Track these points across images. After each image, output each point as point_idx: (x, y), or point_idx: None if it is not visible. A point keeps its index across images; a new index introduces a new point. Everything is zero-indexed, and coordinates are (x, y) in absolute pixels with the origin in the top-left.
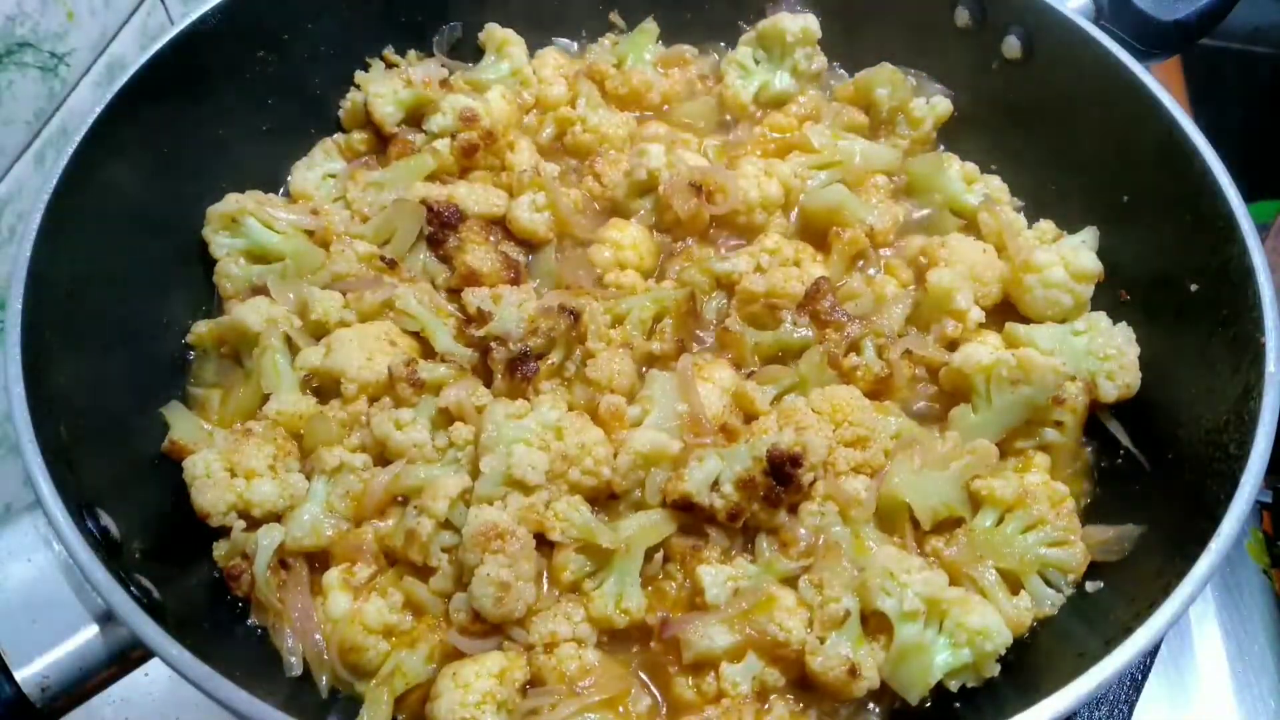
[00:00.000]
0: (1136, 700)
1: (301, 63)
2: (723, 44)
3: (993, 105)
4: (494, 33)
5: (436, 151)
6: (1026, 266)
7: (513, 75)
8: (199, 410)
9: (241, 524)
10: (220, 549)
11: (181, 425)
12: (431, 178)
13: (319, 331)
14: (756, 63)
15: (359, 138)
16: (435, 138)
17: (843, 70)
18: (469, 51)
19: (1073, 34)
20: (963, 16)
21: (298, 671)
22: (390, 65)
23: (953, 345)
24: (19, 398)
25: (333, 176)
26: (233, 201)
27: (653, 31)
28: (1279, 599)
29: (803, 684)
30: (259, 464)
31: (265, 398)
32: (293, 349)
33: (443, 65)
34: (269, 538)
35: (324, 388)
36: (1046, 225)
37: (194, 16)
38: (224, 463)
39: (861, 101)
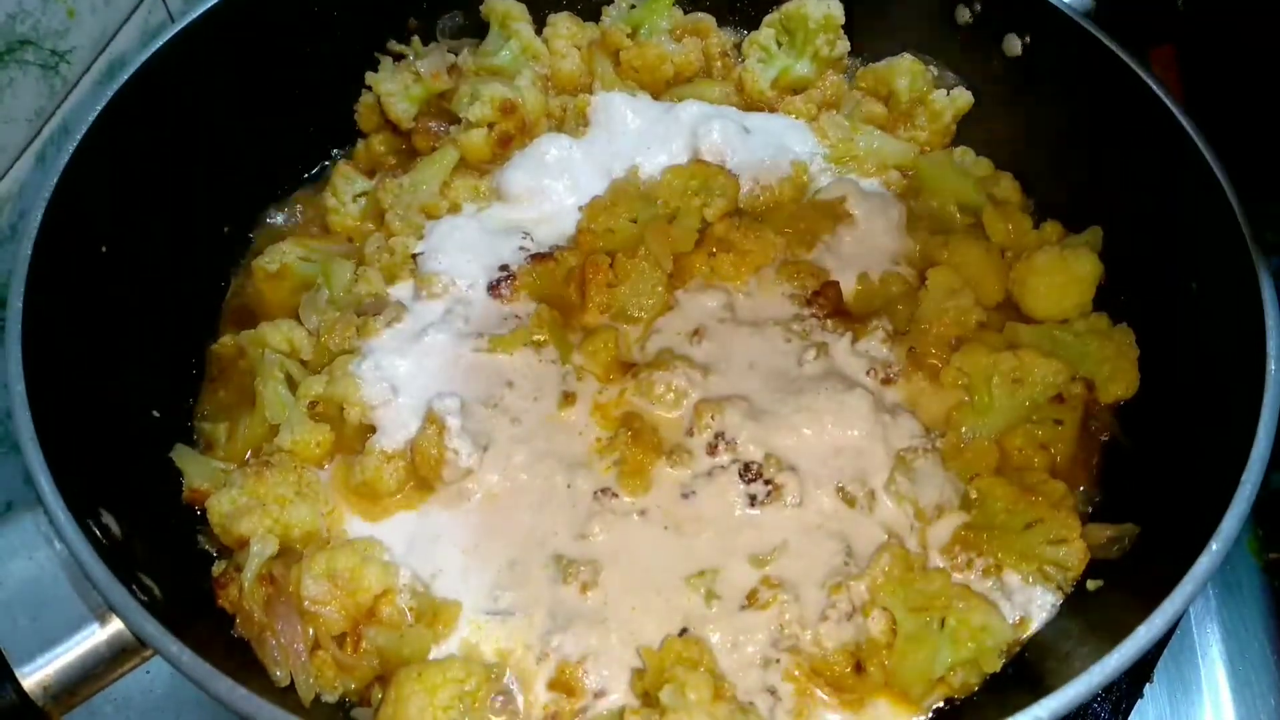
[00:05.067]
0: (1138, 698)
1: (304, 59)
2: (733, 19)
3: (997, 103)
4: (495, 7)
5: (459, 142)
6: (1029, 267)
7: (523, 52)
8: (208, 447)
9: (274, 546)
10: (219, 568)
11: (194, 469)
12: (459, 166)
13: (326, 357)
14: (779, 45)
15: (378, 140)
16: (472, 126)
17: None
18: (474, 27)
19: (1070, 30)
20: (963, 14)
21: (284, 684)
22: (397, 57)
23: (954, 343)
24: (20, 396)
25: (363, 195)
26: (277, 253)
27: None
28: (1278, 597)
29: (812, 680)
30: (286, 491)
31: (273, 428)
32: (292, 381)
33: (449, 50)
34: (262, 545)
35: (327, 414)
36: (1052, 226)
37: (195, 14)
38: (248, 495)
39: (881, 91)
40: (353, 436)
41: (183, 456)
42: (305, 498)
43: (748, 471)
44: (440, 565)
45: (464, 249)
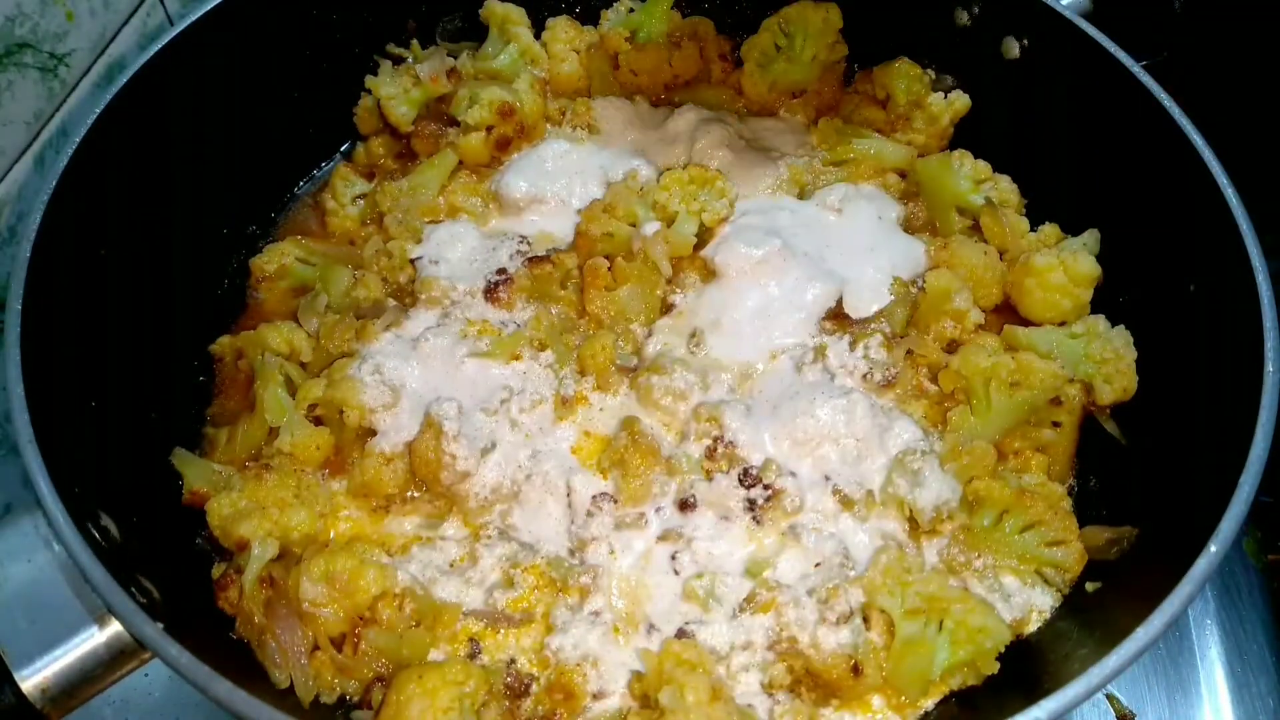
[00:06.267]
0: None
1: (303, 62)
2: (731, 22)
3: (995, 105)
4: (494, 9)
5: (457, 146)
6: (1026, 269)
7: (522, 55)
8: (208, 450)
9: (274, 549)
10: (218, 570)
11: (193, 472)
12: (459, 168)
13: (326, 359)
14: (778, 48)
15: (377, 143)
16: (470, 129)
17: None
18: (473, 31)
19: (1069, 33)
20: (962, 17)
21: (283, 685)
22: (397, 60)
23: (952, 346)
24: (19, 398)
25: (362, 197)
26: (276, 254)
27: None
28: (1276, 598)
29: (810, 681)
30: (285, 494)
31: (272, 431)
32: (290, 385)
33: (449, 54)
34: (262, 548)
35: (327, 417)
36: (1050, 228)
37: (194, 17)
38: (248, 498)
39: (879, 94)
40: (352, 439)
41: (182, 460)
42: (304, 501)
43: (746, 477)
44: (439, 566)
45: (462, 253)
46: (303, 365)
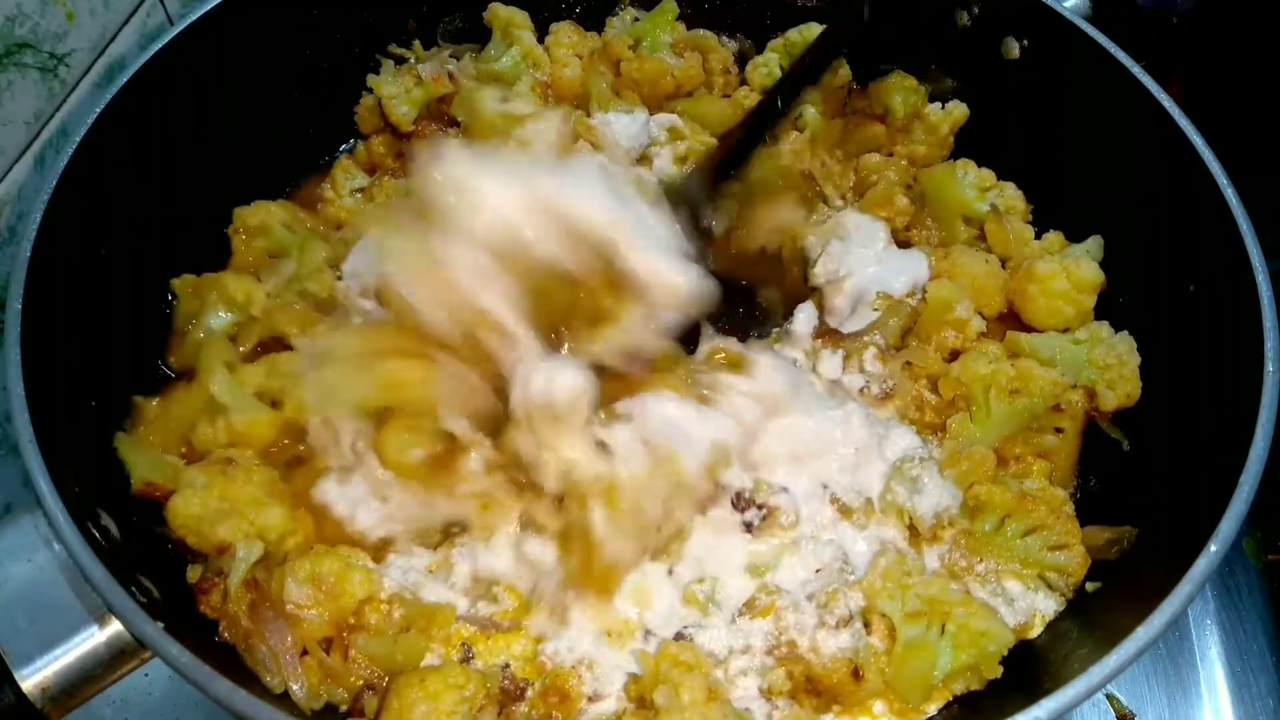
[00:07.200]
0: None
1: (304, 62)
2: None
3: (995, 109)
4: (497, 13)
5: None
6: (1029, 276)
7: (524, 59)
8: (138, 421)
9: (259, 549)
10: (194, 573)
11: (140, 460)
12: None
13: (267, 330)
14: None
15: (378, 141)
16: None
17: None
18: (475, 32)
19: (1068, 32)
20: (962, 18)
21: (279, 690)
22: (399, 60)
23: (954, 356)
24: (19, 398)
25: (360, 191)
26: (262, 209)
27: (673, 11)
28: (1276, 598)
29: (809, 687)
30: (257, 492)
31: (209, 406)
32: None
33: (451, 54)
34: (247, 550)
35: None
36: (1054, 235)
37: (194, 17)
38: (218, 496)
39: (877, 109)
40: (290, 434)
41: (126, 445)
42: (276, 499)
43: (739, 500)
44: (420, 570)
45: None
46: (238, 345)
